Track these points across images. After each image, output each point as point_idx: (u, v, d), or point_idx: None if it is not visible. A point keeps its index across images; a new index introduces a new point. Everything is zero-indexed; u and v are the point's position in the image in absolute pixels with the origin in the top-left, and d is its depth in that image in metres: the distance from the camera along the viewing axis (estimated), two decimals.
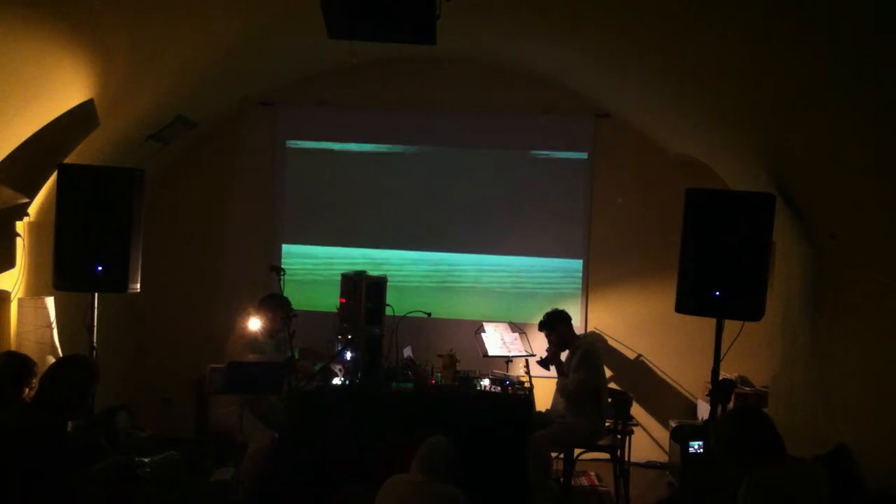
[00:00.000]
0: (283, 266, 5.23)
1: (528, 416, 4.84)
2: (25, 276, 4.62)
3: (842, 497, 3.32)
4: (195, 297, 6.26)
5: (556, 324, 5.10)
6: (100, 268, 4.15)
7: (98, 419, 4.22)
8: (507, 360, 5.44)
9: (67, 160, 4.45)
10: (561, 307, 5.29)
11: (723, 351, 4.22)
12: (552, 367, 5.17)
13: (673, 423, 5.71)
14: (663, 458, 5.97)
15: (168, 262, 6.05)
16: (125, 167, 4.37)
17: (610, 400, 5.13)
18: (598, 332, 6.03)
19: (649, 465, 5.99)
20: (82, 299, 4.34)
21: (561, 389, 5.03)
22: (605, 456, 5.01)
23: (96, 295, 4.29)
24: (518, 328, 5.66)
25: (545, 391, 5.38)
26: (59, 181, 4.18)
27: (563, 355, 5.14)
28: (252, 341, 4.87)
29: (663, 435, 5.97)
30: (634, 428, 5.38)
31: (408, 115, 6.28)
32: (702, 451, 4.98)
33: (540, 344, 5.36)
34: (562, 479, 4.97)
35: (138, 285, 4.34)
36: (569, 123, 6.21)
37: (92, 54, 3.93)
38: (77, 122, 4.31)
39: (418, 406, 4.71)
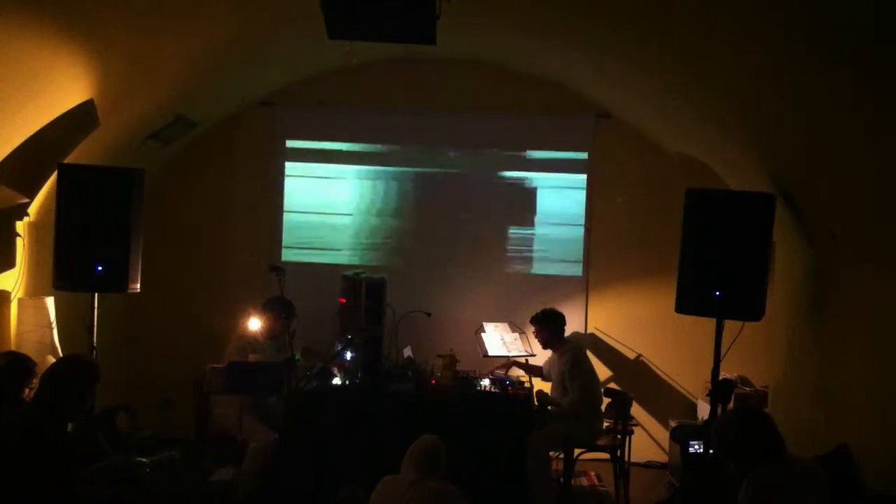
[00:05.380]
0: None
1: (529, 416, 4.84)
2: (25, 276, 4.61)
3: (842, 497, 3.32)
4: (195, 297, 6.24)
5: (548, 322, 5.10)
6: (100, 268, 4.14)
7: (98, 419, 4.21)
8: (507, 360, 5.44)
9: (67, 160, 4.45)
10: (561, 307, 5.30)
11: (723, 351, 4.21)
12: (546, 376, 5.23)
13: (673, 423, 5.70)
14: (663, 458, 5.97)
15: (168, 262, 6.04)
16: (125, 167, 4.37)
17: (609, 400, 5.13)
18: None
19: (649, 465, 5.99)
20: (82, 299, 4.34)
21: (566, 406, 4.91)
22: (605, 456, 5.01)
23: (96, 295, 4.29)
24: (518, 328, 5.66)
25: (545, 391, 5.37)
26: (59, 181, 4.18)
27: (544, 356, 5.24)
28: (252, 342, 4.88)
29: (663, 435, 5.97)
30: (634, 428, 5.37)
31: (408, 115, 6.27)
32: (702, 451, 4.98)
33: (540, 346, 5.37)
34: (562, 479, 4.97)
35: (138, 285, 4.34)
36: (569, 123, 6.20)
37: (92, 54, 3.93)
38: (77, 122, 4.31)
39: (418, 406, 4.70)
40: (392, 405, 4.72)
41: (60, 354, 4.46)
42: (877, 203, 3.59)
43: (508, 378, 5.14)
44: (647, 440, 6.04)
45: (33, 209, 4.65)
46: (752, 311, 4.07)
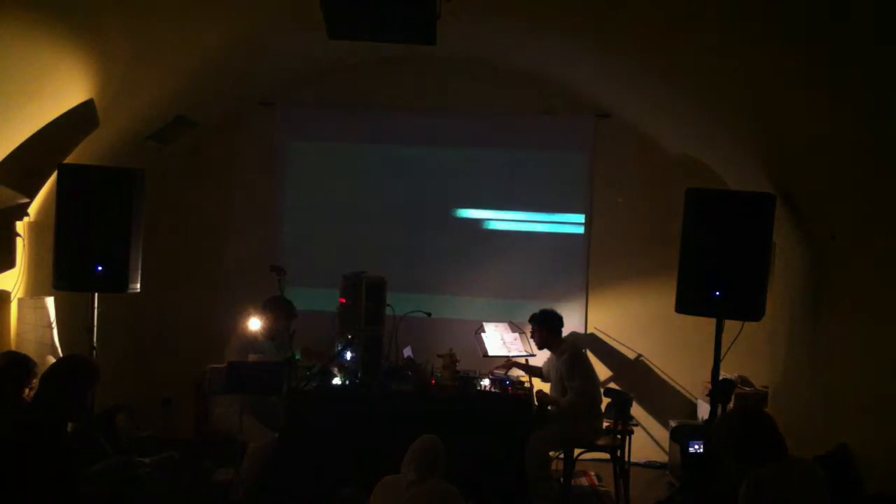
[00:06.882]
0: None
1: (528, 416, 4.84)
2: (25, 276, 4.62)
3: (842, 497, 3.32)
4: (195, 297, 6.25)
5: (545, 322, 5.09)
6: (100, 268, 4.15)
7: (98, 419, 4.21)
8: (507, 360, 5.44)
9: (67, 160, 4.45)
10: (561, 307, 5.30)
11: (723, 351, 4.22)
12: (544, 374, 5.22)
13: (673, 423, 5.70)
14: (663, 458, 5.97)
15: (168, 262, 6.03)
16: (125, 167, 4.37)
17: (609, 400, 5.13)
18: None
19: (649, 465, 5.99)
20: (82, 299, 4.34)
21: (565, 406, 4.91)
22: (605, 456, 5.01)
23: (96, 295, 4.29)
24: (518, 328, 5.66)
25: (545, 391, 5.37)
26: (59, 181, 4.18)
27: (543, 357, 5.23)
28: (252, 342, 4.88)
29: (663, 435, 5.97)
30: (634, 428, 5.37)
31: (408, 115, 6.27)
32: (702, 451, 4.98)
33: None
34: (562, 479, 4.97)
35: (138, 285, 4.34)
36: (569, 123, 6.21)
37: (92, 54, 3.93)
38: (77, 122, 4.31)
39: (418, 406, 4.71)
40: (392, 405, 4.72)
41: (60, 354, 4.46)
42: (876, 203, 3.59)
43: (508, 378, 5.14)
44: (647, 440, 6.04)
45: (33, 209, 4.65)
46: (752, 311, 4.08)
